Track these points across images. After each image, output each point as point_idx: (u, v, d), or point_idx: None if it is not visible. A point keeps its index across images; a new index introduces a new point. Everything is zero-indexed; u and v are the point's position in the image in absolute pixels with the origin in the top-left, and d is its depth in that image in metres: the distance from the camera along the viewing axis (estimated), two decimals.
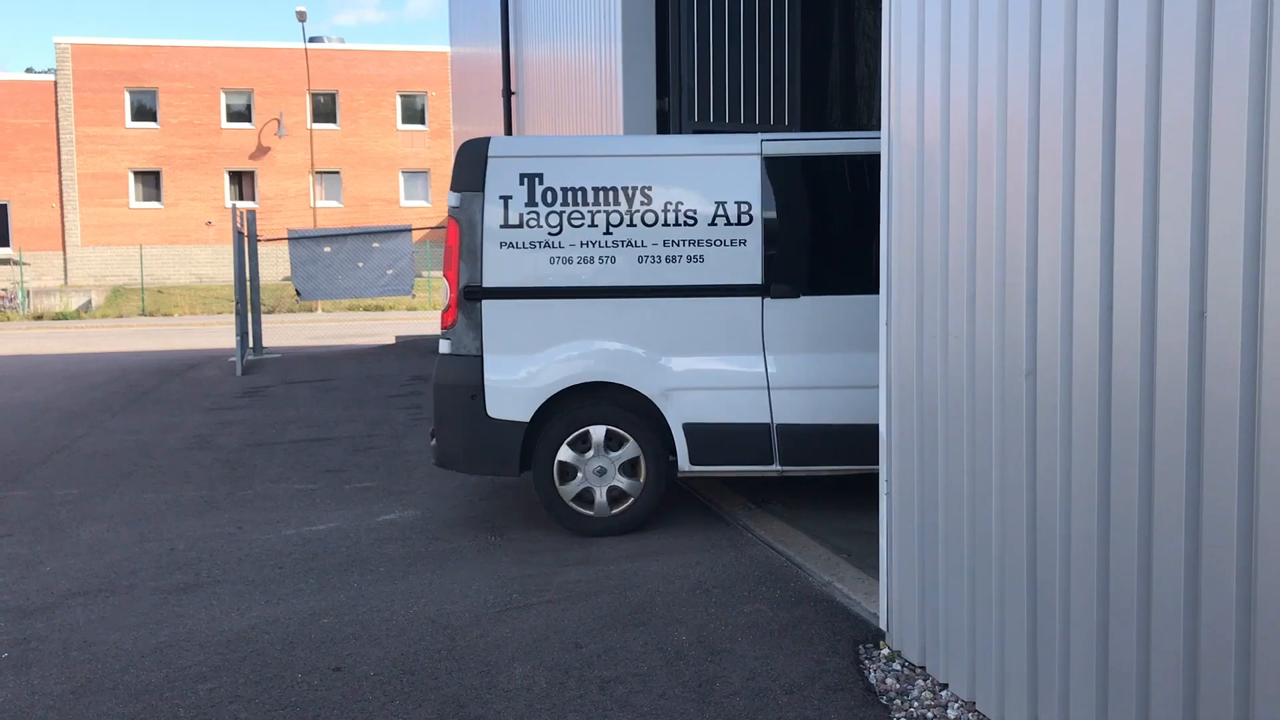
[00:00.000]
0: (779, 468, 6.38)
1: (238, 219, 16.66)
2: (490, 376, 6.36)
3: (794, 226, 6.39)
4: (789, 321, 6.31)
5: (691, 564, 5.78)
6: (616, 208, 6.35)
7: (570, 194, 6.35)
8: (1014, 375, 3.62)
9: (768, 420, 6.32)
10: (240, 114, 42.91)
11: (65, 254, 39.99)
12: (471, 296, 6.36)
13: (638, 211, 6.35)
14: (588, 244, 6.36)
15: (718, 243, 6.32)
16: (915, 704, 4.05)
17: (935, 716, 3.95)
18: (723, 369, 6.34)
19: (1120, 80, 3.08)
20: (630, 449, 6.39)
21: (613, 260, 6.36)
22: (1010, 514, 3.69)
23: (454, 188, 6.42)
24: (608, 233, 6.36)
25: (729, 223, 6.32)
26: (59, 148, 40.79)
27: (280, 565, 6.03)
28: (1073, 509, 3.37)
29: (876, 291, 5.73)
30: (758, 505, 6.76)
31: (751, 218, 6.31)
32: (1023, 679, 3.66)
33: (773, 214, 6.32)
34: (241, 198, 41.44)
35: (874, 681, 4.26)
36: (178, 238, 41.65)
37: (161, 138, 41.95)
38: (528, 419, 6.35)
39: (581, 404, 6.39)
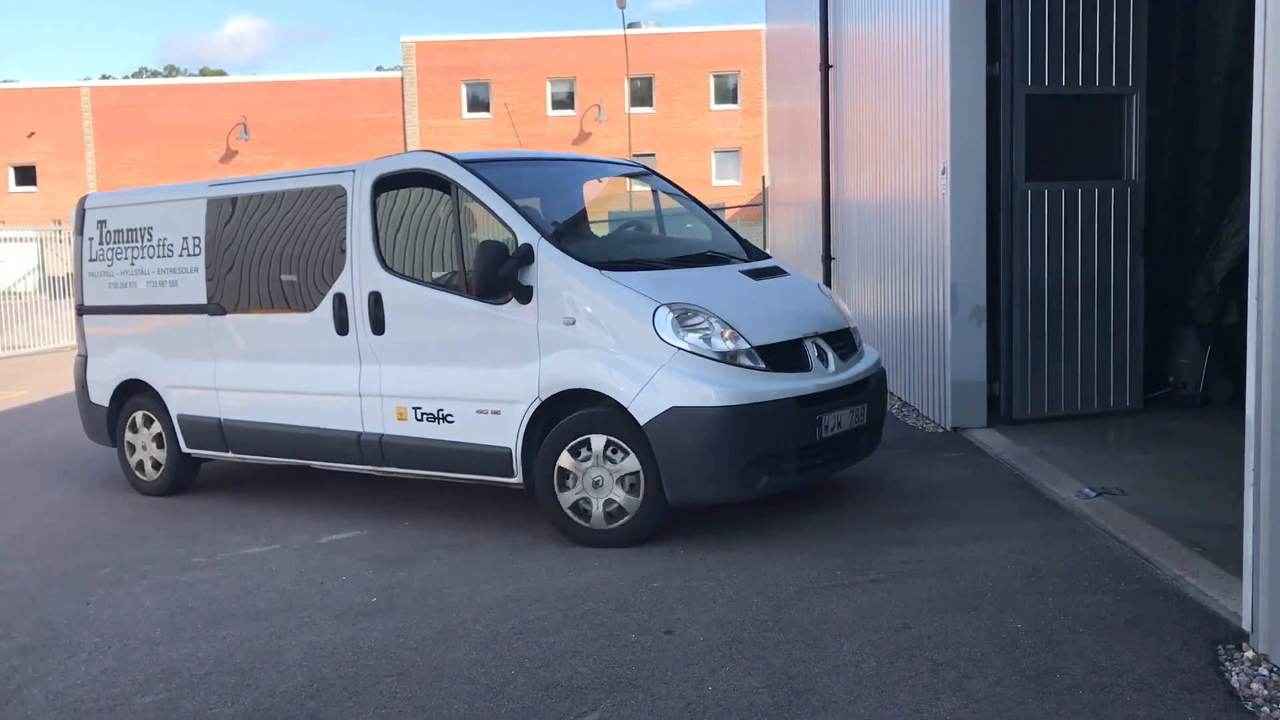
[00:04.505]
0: (232, 455, 7.53)
1: None
2: (90, 373, 8.33)
3: (225, 256, 7.46)
4: (224, 335, 7.49)
5: (1023, 550, 5.53)
6: (134, 244, 7.99)
7: (118, 234, 8.09)
8: None
9: (217, 416, 7.49)
10: (563, 101, 44.96)
11: None
12: (79, 313, 8.46)
13: (145, 246, 7.92)
14: (125, 273, 8.06)
15: (183, 270, 7.69)
16: None
17: None
18: (193, 373, 7.64)
19: None
20: (158, 429, 7.89)
21: (134, 285, 8.00)
22: None
23: (73, 233, 8.50)
24: (132, 264, 8.01)
25: (189, 254, 7.66)
26: (404, 140, 44.33)
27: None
28: None
29: (288, 309, 7.11)
30: (1097, 493, 6.37)
31: (200, 249, 7.59)
32: None
33: (214, 246, 7.51)
34: None
35: (1236, 685, 3.92)
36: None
37: (493, 127, 44.64)
38: (107, 404, 8.15)
39: (138, 395, 8.02)
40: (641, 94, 44.87)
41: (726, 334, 5.82)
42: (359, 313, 6.69)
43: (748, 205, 39.43)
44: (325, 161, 42.26)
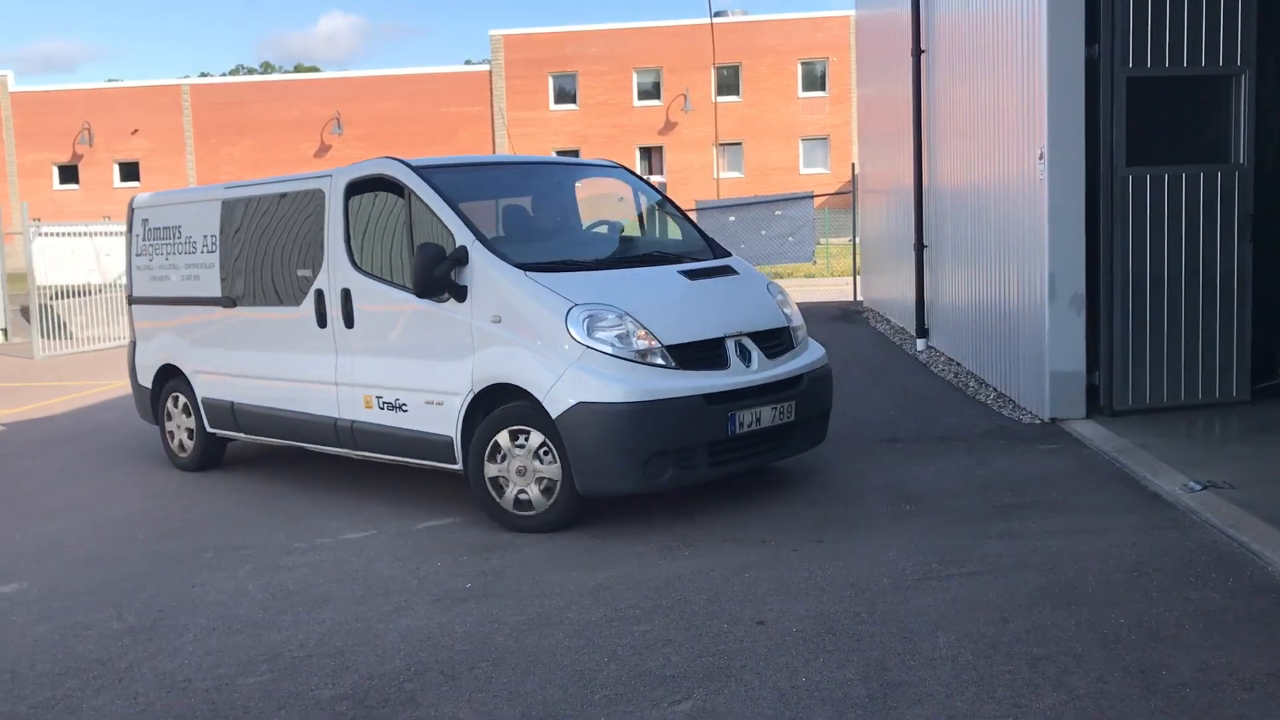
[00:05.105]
0: (244, 436, 8.16)
1: None
2: (137, 357, 9.05)
3: (236, 252, 8.07)
4: (234, 326, 8.10)
5: (1126, 544, 5.39)
6: (168, 241, 8.69)
7: (156, 232, 8.83)
8: None
9: (231, 399, 8.07)
10: (649, 92, 45.00)
11: None
12: (129, 303, 9.24)
13: (175, 243, 8.62)
14: (161, 267, 8.77)
15: (204, 266, 8.33)
16: None
17: None
18: (212, 360, 8.27)
19: None
20: (189, 410, 8.55)
21: (168, 279, 8.70)
22: None
23: (126, 230, 9.28)
24: (167, 259, 8.71)
25: (207, 251, 8.30)
26: (493, 132, 44.78)
27: (700, 519, 6.28)
28: None
29: (282, 303, 7.66)
30: (1203, 486, 6.17)
31: (215, 247, 8.23)
32: None
33: (226, 244, 8.15)
34: (650, 172, 43.53)
35: None
36: (594, 213, 44.41)
37: (579, 118, 44.89)
38: (150, 385, 8.88)
39: (174, 378, 8.70)
40: (728, 82, 44.69)
41: (639, 334, 6.05)
42: (333, 308, 7.21)
43: (836, 193, 39.01)
44: (417, 154, 42.92)
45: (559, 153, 44.56)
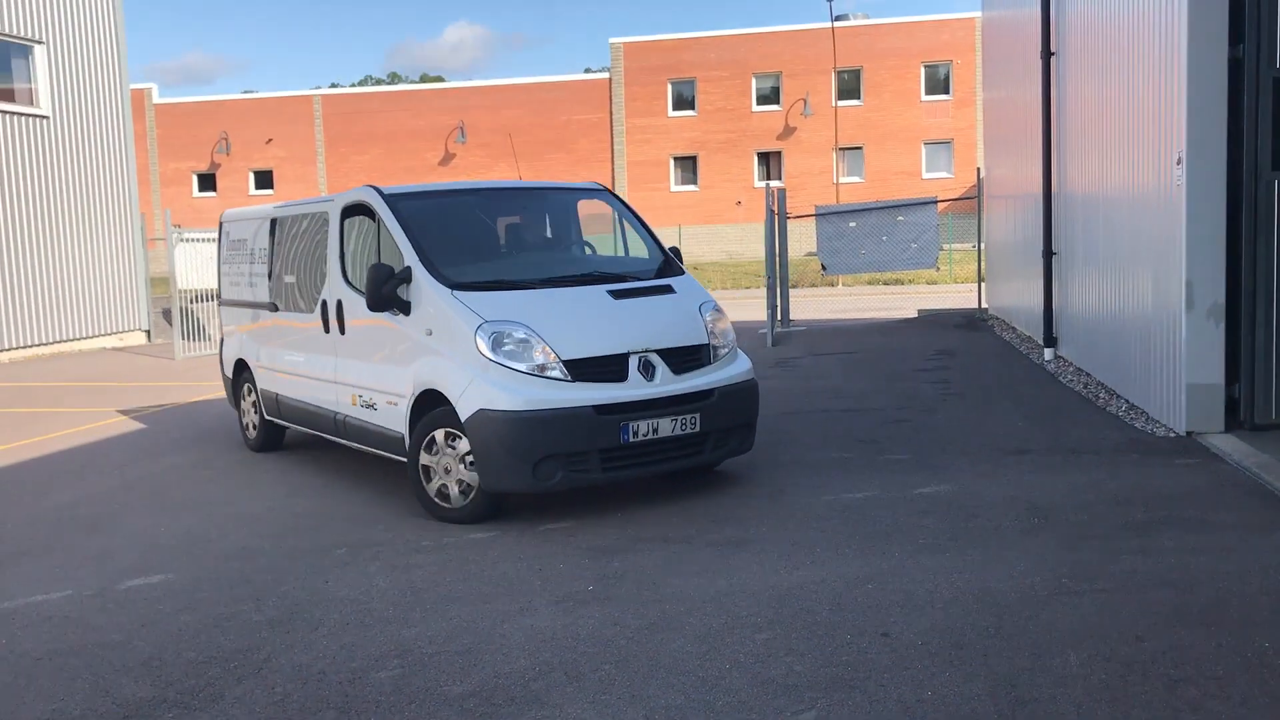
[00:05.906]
0: (282, 422, 9.36)
1: (770, 198, 17.39)
2: (224, 350, 10.48)
3: (280, 264, 9.18)
4: (279, 329, 9.24)
5: (1270, 565, 5.17)
6: (240, 252, 10.03)
7: (234, 243, 10.21)
8: None
9: (277, 391, 9.25)
10: (768, 97, 44.81)
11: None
12: (219, 304, 10.83)
13: (244, 253, 9.93)
14: (236, 274, 10.16)
15: (260, 275, 9.58)
16: None
17: None
18: (266, 356, 9.48)
19: None
20: (255, 399, 9.77)
21: (240, 284, 10.07)
22: None
23: (217, 240, 10.75)
24: (238, 268, 10.06)
25: (261, 262, 9.55)
26: (612, 139, 45.15)
27: (823, 529, 6.25)
28: None
29: (303, 310, 8.69)
30: None
31: (265, 259, 9.44)
32: None
33: (272, 256, 9.34)
34: (768, 177, 43.33)
35: None
36: (711, 218, 44.52)
37: (698, 124, 44.93)
38: (230, 374, 10.29)
39: (246, 370, 9.97)
40: (849, 86, 44.22)
41: (540, 349, 6.65)
42: (332, 317, 8.19)
43: (960, 198, 38.29)
44: (536, 162, 43.64)
45: (675, 159, 44.79)
